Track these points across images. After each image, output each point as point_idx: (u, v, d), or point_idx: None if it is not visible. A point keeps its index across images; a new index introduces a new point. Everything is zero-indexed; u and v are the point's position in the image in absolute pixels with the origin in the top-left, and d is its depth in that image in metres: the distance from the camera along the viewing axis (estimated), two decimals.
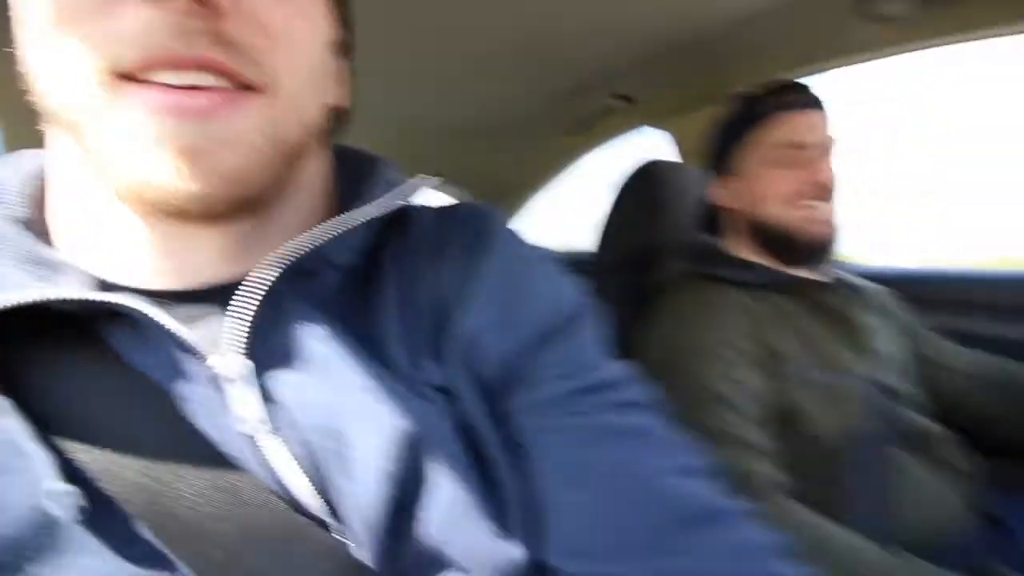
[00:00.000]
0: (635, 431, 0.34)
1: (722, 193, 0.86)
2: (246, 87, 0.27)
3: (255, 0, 0.27)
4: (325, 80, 0.33)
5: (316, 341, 0.30)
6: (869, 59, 0.92)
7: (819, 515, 0.62)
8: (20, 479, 0.26)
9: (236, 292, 0.29)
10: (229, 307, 0.29)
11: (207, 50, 0.25)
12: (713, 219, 0.90)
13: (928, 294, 1.01)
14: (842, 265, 1.05)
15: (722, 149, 0.87)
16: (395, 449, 0.28)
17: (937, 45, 0.83)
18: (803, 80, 0.85)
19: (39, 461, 0.26)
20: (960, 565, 0.60)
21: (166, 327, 0.27)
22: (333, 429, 0.28)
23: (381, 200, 0.34)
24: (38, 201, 0.33)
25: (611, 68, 1.13)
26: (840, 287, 0.81)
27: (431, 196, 1.93)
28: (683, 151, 1.24)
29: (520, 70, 1.14)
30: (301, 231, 0.32)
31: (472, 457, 0.31)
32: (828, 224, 0.79)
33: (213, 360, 0.28)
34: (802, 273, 0.80)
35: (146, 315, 0.27)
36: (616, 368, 0.36)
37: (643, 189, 0.98)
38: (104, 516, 0.26)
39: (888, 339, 0.82)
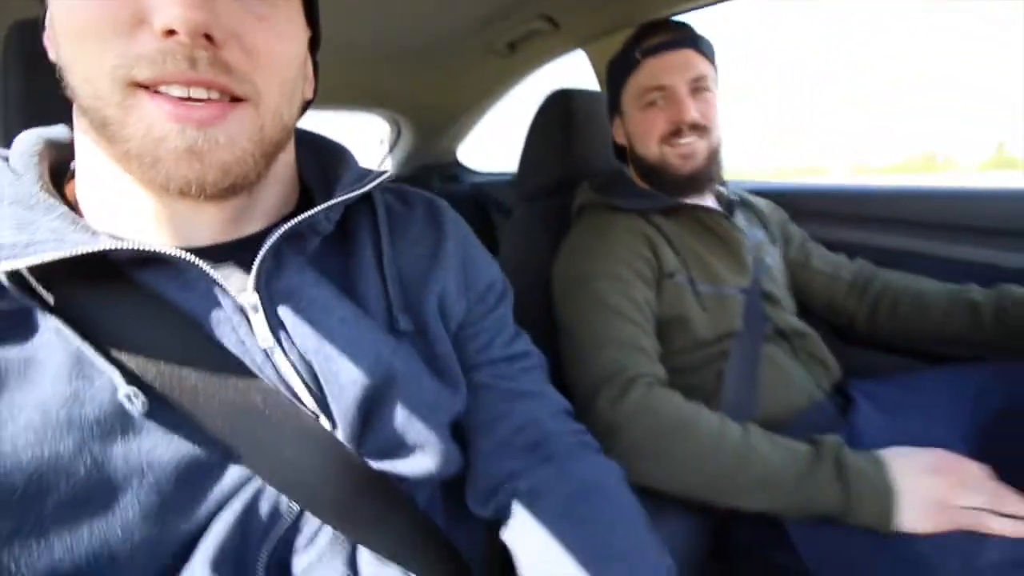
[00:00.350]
0: (533, 393, 0.53)
1: (616, 131, 0.95)
2: (237, 99, 0.36)
3: (243, 30, 0.35)
4: (299, 85, 0.42)
5: (308, 285, 0.42)
6: None
7: (694, 402, 0.71)
8: (98, 384, 0.35)
9: (251, 248, 0.40)
10: (252, 258, 0.39)
11: (209, 72, 0.34)
12: (618, 150, 0.98)
13: (806, 205, 1.15)
14: (735, 183, 1.18)
15: (611, 91, 0.94)
16: (368, 366, 0.41)
17: None
18: (687, 16, 0.92)
19: (111, 372, 0.34)
20: (810, 436, 0.70)
21: (204, 269, 0.37)
22: (324, 350, 0.40)
23: (359, 187, 0.45)
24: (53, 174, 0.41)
25: None
26: (721, 211, 0.91)
27: (376, 123, 1.91)
28: (601, 75, 1.30)
29: None
30: (280, 205, 0.45)
31: (440, 379, 0.46)
32: (700, 157, 0.86)
33: (240, 295, 0.39)
34: (688, 199, 0.89)
35: (189, 260, 0.36)
36: (523, 341, 0.56)
37: (556, 118, 1.02)
38: (164, 410, 0.36)
39: (769, 249, 0.95)
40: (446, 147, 1.99)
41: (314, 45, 0.48)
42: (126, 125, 0.34)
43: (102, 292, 0.36)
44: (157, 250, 0.36)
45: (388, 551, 0.41)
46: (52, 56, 0.37)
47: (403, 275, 0.48)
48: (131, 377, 0.35)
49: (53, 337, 0.35)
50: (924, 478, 0.60)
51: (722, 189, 0.97)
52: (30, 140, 0.41)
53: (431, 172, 1.96)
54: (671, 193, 0.89)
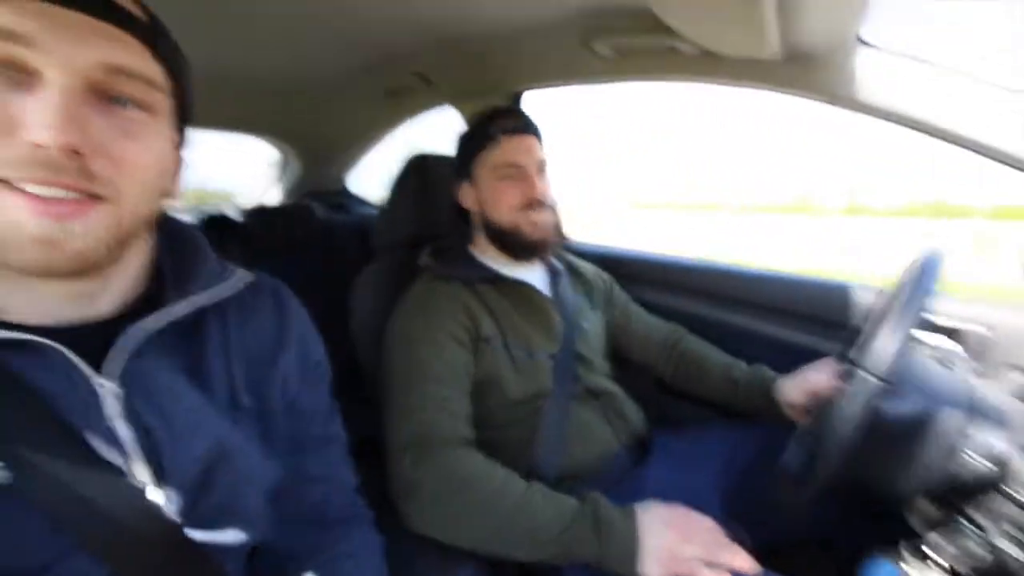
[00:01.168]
0: (326, 477, 0.62)
1: (464, 195, 1.02)
2: (97, 197, 0.39)
3: (110, 142, 0.39)
4: (161, 185, 0.46)
5: (159, 371, 0.46)
6: (596, 82, 1.16)
7: (491, 461, 0.78)
8: None
9: (116, 335, 0.44)
10: (114, 343, 0.44)
11: (70, 178, 0.38)
12: (461, 213, 1.06)
13: (634, 271, 1.32)
14: (570, 245, 1.33)
15: (462, 159, 1.02)
16: (207, 447, 0.47)
17: (630, 79, 1.09)
18: (527, 99, 1.04)
19: None
20: (604, 487, 0.76)
21: (65, 354, 0.41)
22: (169, 432, 0.45)
23: (217, 290, 0.51)
24: None
25: (410, 49, 1.25)
26: (532, 286, 0.99)
27: (263, 151, 1.90)
28: None
29: (335, 36, 1.19)
30: (133, 286, 0.49)
31: (267, 452, 0.53)
32: (544, 228, 0.98)
33: (95, 378, 0.43)
34: (507, 271, 0.99)
35: (53, 346, 0.41)
36: (335, 421, 0.65)
37: (414, 179, 1.11)
38: (20, 481, 0.39)
39: (588, 314, 1.08)
40: (334, 176, 2.01)
41: (182, 143, 0.51)
42: None
43: None
44: (25, 337, 0.40)
45: None
46: None
47: (248, 357, 0.53)
48: None
49: None
50: (660, 531, 0.69)
51: (551, 258, 1.09)
52: None
53: (317, 199, 1.97)
54: (516, 257, 1.00)
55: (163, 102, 0.45)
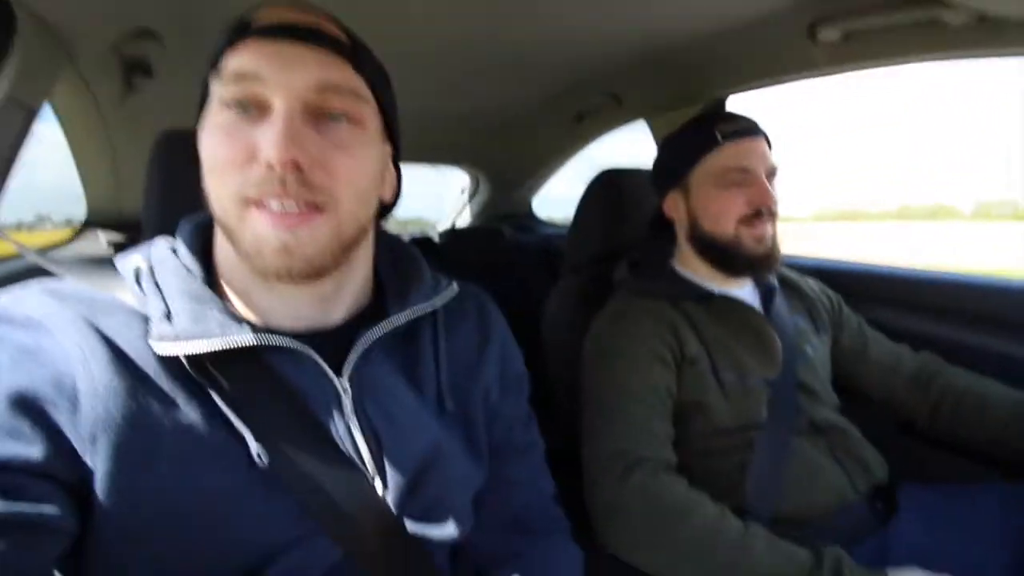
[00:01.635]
0: (527, 480, 0.63)
1: (671, 206, 0.94)
2: (320, 209, 0.45)
3: (325, 157, 0.45)
4: (374, 194, 0.51)
5: (385, 375, 0.52)
6: (811, 76, 1.01)
7: (698, 491, 0.72)
8: (234, 446, 0.44)
9: (348, 341, 0.50)
10: (349, 348, 0.49)
11: (294, 188, 0.43)
12: (663, 225, 0.98)
13: (866, 288, 1.11)
14: (790, 260, 1.16)
15: (675, 167, 0.93)
16: (423, 444, 0.51)
17: (856, 68, 0.92)
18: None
19: (245, 432, 0.44)
20: (836, 541, 0.67)
21: (316, 359, 0.47)
22: (392, 428, 0.50)
23: (431, 301, 0.55)
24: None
25: (601, 71, 1.25)
26: (748, 303, 0.89)
27: (459, 177, 2.11)
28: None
29: (527, 66, 1.25)
30: (359, 294, 0.54)
31: (473, 456, 0.57)
32: (770, 240, 0.87)
33: (338, 381, 0.48)
34: (718, 289, 0.90)
35: (307, 351, 0.47)
36: (533, 428, 0.66)
37: (604, 195, 1.08)
38: (276, 467, 0.44)
39: (811, 338, 0.93)
40: (520, 199, 2.11)
41: (396, 156, 0.56)
42: (242, 231, 0.44)
43: (240, 369, 0.46)
44: (285, 342, 0.46)
45: None
46: (204, 182, 0.48)
47: (454, 364, 0.57)
48: (259, 438, 0.44)
49: (202, 402, 0.44)
50: None
51: (770, 278, 0.95)
52: (190, 233, 0.52)
53: (504, 221, 2.08)
54: (731, 273, 0.91)
55: (370, 115, 0.49)
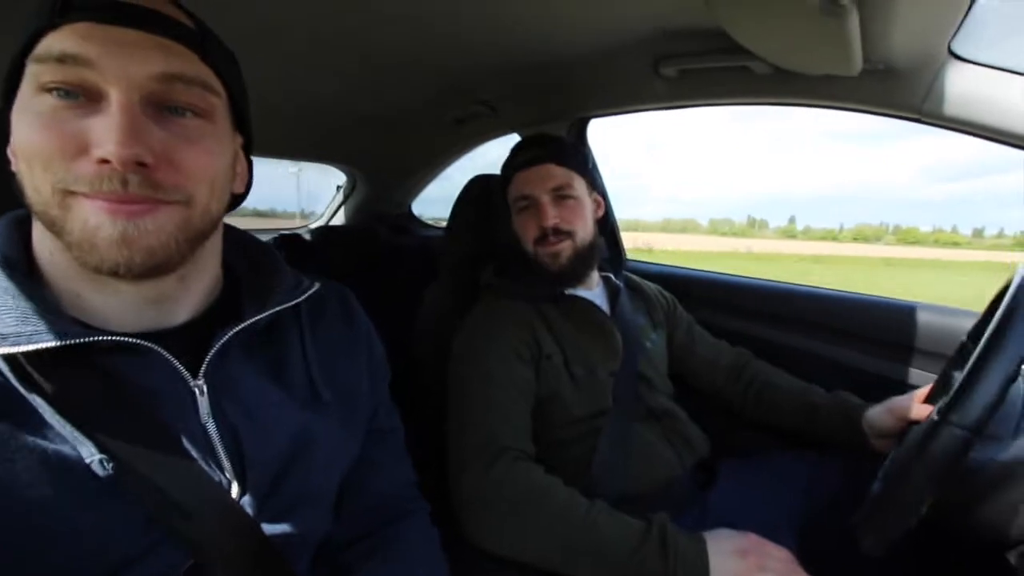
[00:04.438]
0: (387, 464, 0.65)
1: (513, 223, 1.03)
2: (165, 202, 0.42)
3: (173, 152, 0.42)
4: (227, 185, 0.49)
5: (246, 375, 0.50)
6: (656, 107, 1.16)
7: (553, 477, 0.78)
8: (68, 451, 0.40)
9: (198, 339, 0.47)
10: (204, 347, 0.47)
11: (139, 190, 0.40)
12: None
13: (698, 292, 1.29)
14: (631, 265, 1.31)
15: (501, 195, 1.05)
16: (287, 439, 0.50)
17: (691, 104, 1.08)
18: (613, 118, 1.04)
19: (84, 442, 0.40)
20: (665, 510, 0.75)
21: (167, 357, 0.44)
22: (253, 428, 0.48)
23: (294, 296, 0.54)
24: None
25: (475, 79, 1.29)
26: (592, 302, 0.98)
27: (333, 172, 2.01)
28: None
29: (405, 67, 1.25)
30: (208, 291, 0.52)
31: (349, 440, 0.58)
32: (564, 257, 0.95)
33: (192, 381, 0.46)
34: (568, 290, 0.99)
35: (156, 350, 0.44)
36: (395, 414, 0.69)
37: (476, 199, 1.14)
38: (121, 475, 0.41)
39: (650, 334, 1.06)
40: (399, 200, 2.10)
41: (247, 147, 0.54)
42: (67, 221, 0.40)
43: (75, 373, 0.42)
44: (131, 340, 0.42)
45: None
46: (14, 166, 0.44)
47: (324, 356, 0.57)
48: (99, 447, 0.41)
49: (31, 410, 0.40)
50: (732, 559, 0.68)
51: (611, 276, 1.08)
52: (10, 230, 0.47)
53: (381, 223, 2.05)
54: (549, 286, 0.98)
55: (219, 106, 0.46)
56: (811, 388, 1.02)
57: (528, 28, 0.99)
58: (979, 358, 0.52)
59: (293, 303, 0.54)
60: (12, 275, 0.43)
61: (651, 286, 1.18)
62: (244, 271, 0.56)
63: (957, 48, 0.77)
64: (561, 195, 0.96)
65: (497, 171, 1.08)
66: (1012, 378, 0.50)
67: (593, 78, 1.17)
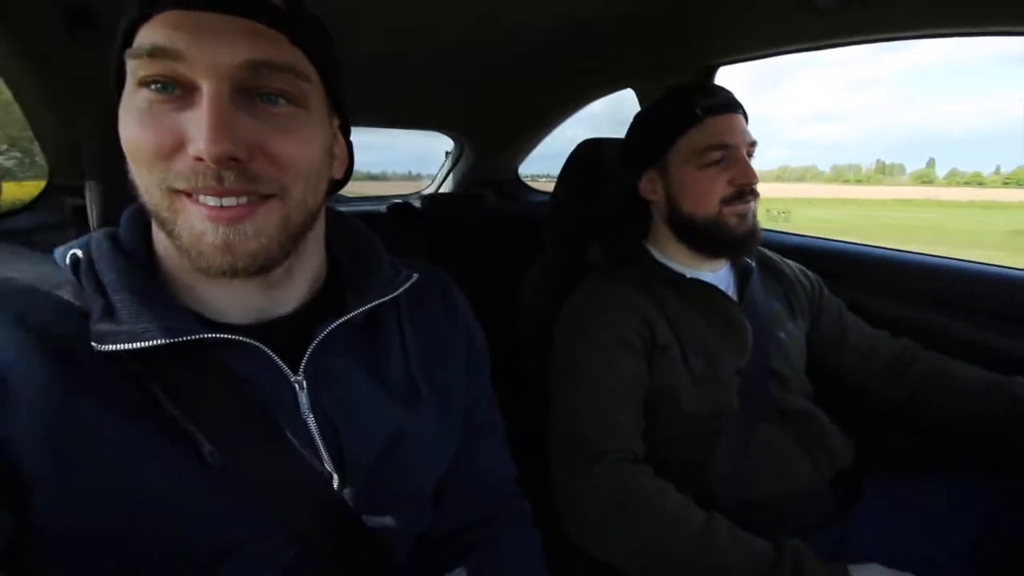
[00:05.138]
0: (489, 464, 0.63)
1: (648, 186, 0.89)
2: (265, 196, 0.42)
3: (266, 143, 0.41)
4: (323, 174, 0.47)
5: (344, 368, 0.49)
6: (808, 47, 0.95)
7: (663, 481, 0.71)
8: (180, 441, 0.41)
9: (301, 330, 0.48)
10: (296, 335, 0.47)
11: (235, 184, 0.40)
12: (638, 204, 0.94)
13: (847, 271, 1.09)
14: (772, 237, 1.12)
15: (651, 146, 0.88)
16: (384, 435, 0.50)
17: (855, 41, 0.87)
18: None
19: (191, 431, 0.42)
20: (799, 527, 0.69)
21: (269, 353, 0.45)
22: (351, 421, 0.48)
23: (392, 288, 0.53)
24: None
25: (588, 31, 1.17)
26: (721, 290, 0.86)
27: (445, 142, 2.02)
28: None
29: (510, 25, 1.17)
30: (312, 280, 0.51)
31: (446, 438, 0.57)
32: (751, 219, 0.83)
33: (292, 376, 0.46)
34: (688, 271, 0.87)
35: (259, 346, 0.44)
36: (496, 409, 0.66)
37: (584, 167, 1.04)
38: (228, 466, 0.42)
39: (786, 323, 0.91)
40: (505, 165, 2.05)
41: (345, 129, 0.53)
42: (176, 224, 0.41)
43: (187, 366, 0.43)
44: (234, 337, 0.43)
45: None
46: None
47: (423, 349, 0.55)
48: (209, 438, 0.42)
49: (146, 401, 0.42)
50: None
51: (746, 260, 0.92)
52: (130, 220, 0.48)
53: (488, 188, 2.03)
54: (721, 253, 0.87)
55: (312, 92, 0.44)
56: (1008, 380, 0.80)
57: None
58: None
59: (391, 296, 0.52)
60: (134, 270, 0.44)
61: (791, 265, 1.00)
62: (347, 259, 0.55)
63: None
64: (751, 152, 0.83)
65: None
66: None
67: (727, 17, 1.00)
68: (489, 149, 1.97)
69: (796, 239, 1.19)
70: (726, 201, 0.82)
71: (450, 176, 2.20)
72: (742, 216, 0.82)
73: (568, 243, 1.05)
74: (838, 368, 0.95)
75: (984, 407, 0.80)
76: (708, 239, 0.85)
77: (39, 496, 0.37)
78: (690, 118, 0.83)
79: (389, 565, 0.50)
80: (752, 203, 0.83)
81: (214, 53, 0.39)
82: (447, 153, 2.18)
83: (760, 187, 0.85)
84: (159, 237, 0.46)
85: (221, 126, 0.38)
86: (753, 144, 0.83)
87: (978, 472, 0.79)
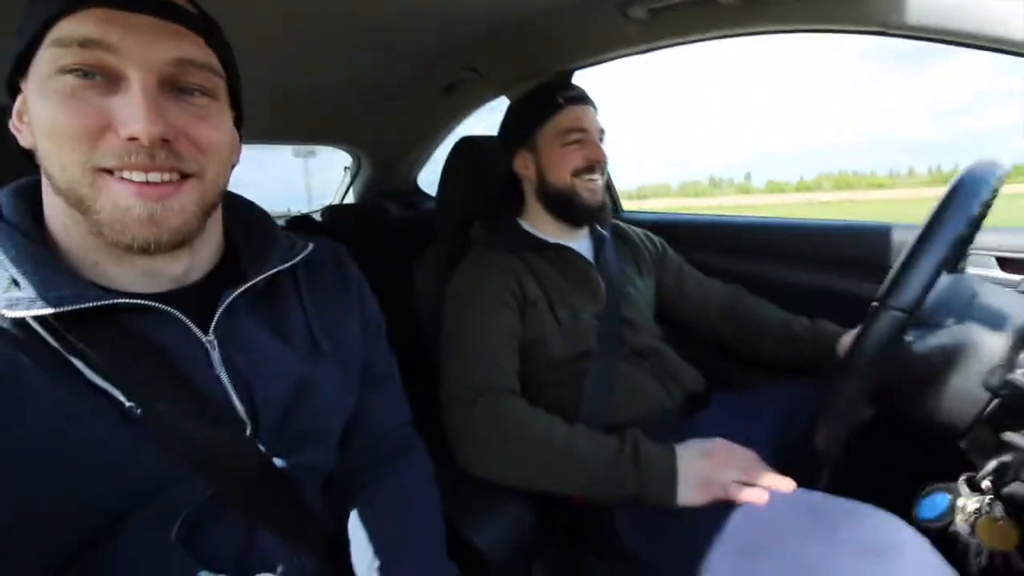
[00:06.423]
0: (384, 407, 0.71)
1: (521, 164, 1.06)
2: (185, 176, 0.47)
3: (188, 127, 0.46)
4: (230, 158, 0.53)
5: (250, 329, 0.54)
6: (629, 52, 1.16)
7: (534, 408, 0.83)
8: (101, 400, 0.44)
9: (205, 298, 0.52)
10: (203, 302, 0.51)
11: (164, 162, 0.44)
12: (511, 185, 1.10)
13: (685, 235, 1.30)
14: (621, 214, 1.32)
15: (523, 129, 1.05)
16: (290, 385, 0.55)
17: (663, 47, 1.08)
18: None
19: (113, 390, 0.44)
20: (656, 436, 0.79)
21: (181, 317, 0.49)
22: (260, 376, 0.53)
23: (290, 257, 0.59)
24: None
25: (459, 43, 1.32)
26: (575, 250, 1.02)
27: (339, 154, 2.07)
28: None
29: (388, 42, 1.28)
30: (213, 254, 0.57)
31: (348, 388, 0.64)
32: (600, 193, 1.02)
33: (204, 337, 0.50)
34: (552, 238, 1.03)
35: (171, 312, 0.48)
36: (392, 363, 0.73)
37: (462, 162, 1.17)
38: (148, 418, 0.46)
39: (635, 280, 1.09)
40: (404, 176, 2.14)
41: (238, 122, 0.57)
42: (97, 201, 0.44)
43: (99, 331, 0.45)
44: (151, 304, 0.47)
45: (278, 530, 0.53)
46: (23, 142, 0.47)
47: (321, 310, 0.62)
48: (128, 395, 0.45)
49: (62, 364, 0.44)
50: (698, 460, 0.73)
51: (596, 225, 1.10)
52: (16, 200, 0.49)
53: (390, 199, 2.11)
54: (571, 223, 1.04)
55: (222, 87, 0.51)
56: (794, 319, 1.03)
57: None
58: (915, 244, 0.53)
59: (289, 264, 0.59)
60: (29, 244, 0.46)
61: (638, 232, 1.20)
62: (241, 234, 0.60)
63: None
64: (601, 138, 1.02)
65: None
66: (947, 262, 0.52)
67: (567, 29, 1.18)
68: (386, 161, 2.06)
69: (649, 215, 1.41)
70: (577, 173, 0.99)
71: (350, 190, 2.26)
72: (592, 191, 1.00)
73: (455, 229, 1.16)
74: (680, 313, 1.15)
75: (776, 340, 1.04)
76: (565, 206, 1.02)
77: None
78: (554, 106, 1.01)
79: (297, 502, 0.56)
80: (599, 179, 1.01)
81: (145, 48, 0.43)
82: (345, 168, 2.25)
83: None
84: (57, 216, 0.48)
85: (155, 110, 0.43)
86: (603, 131, 1.02)
87: (784, 383, 0.99)
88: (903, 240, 0.99)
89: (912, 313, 0.51)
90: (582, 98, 1.02)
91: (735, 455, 0.73)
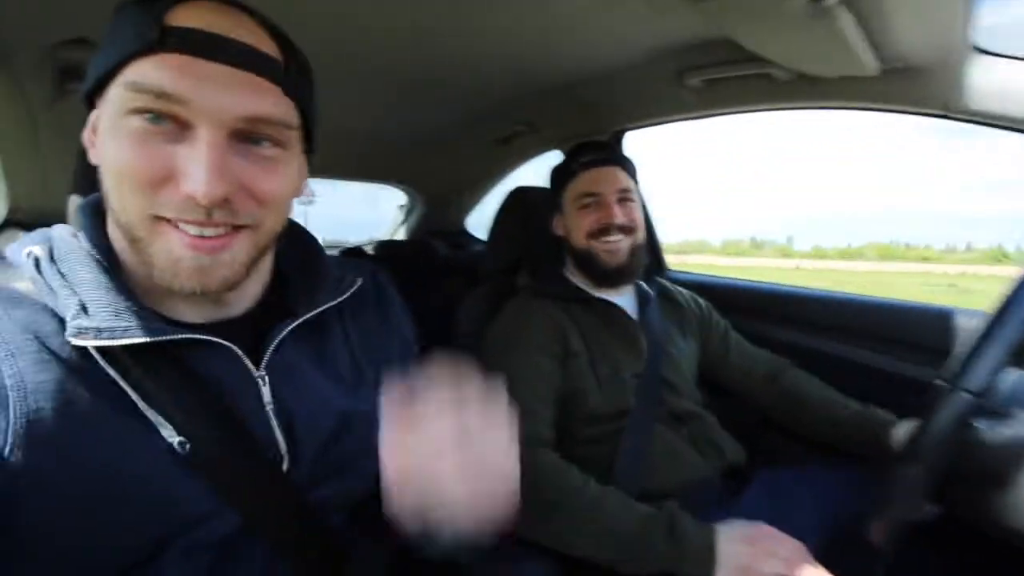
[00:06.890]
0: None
1: (556, 224, 1.10)
2: (238, 227, 0.45)
3: (250, 181, 0.44)
4: (293, 202, 0.51)
5: (297, 362, 0.54)
6: (686, 116, 1.19)
7: (568, 464, 0.82)
8: (151, 433, 0.44)
9: (254, 330, 0.52)
10: (264, 341, 0.51)
11: (220, 218, 0.43)
12: (559, 240, 1.13)
13: (735, 301, 1.28)
14: (669, 274, 1.32)
15: (553, 192, 1.11)
16: (332, 418, 0.54)
17: (717, 114, 1.10)
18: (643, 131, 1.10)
19: (163, 424, 0.44)
20: (698, 511, 0.76)
21: (235, 351, 0.48)
22: (303, 409, 0.52)
23: (338, 294, 0.58)
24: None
25: (516, 99, 1.39)
26: (620, 306, 1.02)
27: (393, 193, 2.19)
28: None
29: (449, 92, 1.37)
30: (261, 284, 0.56)
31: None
32: (623, 253, 1.01)
33: (255, 371, 0.50)
34: (603, 293, 1.04)
35: (226, 345, 0.47)
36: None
37: (513, 211, 1.22)
38: (197, 454, 0.45)
39: (677, 341, 1.08)
40: (454, 217, 2.22)
41: (308, 155, 0.56)
42: (151, 245, 0.43)
43: (153, 362, 0.45)
44: (203, 338, 0.46)
45: (303, 563, 0.52)
46: (92, 159, 0.46)
47: (364, 341, 0.61)
48: (178, 429, 0.45)
49: (120, 394, 0.44)
50: (739, 545, 0.69)
51: (642, 283, 1.11)
52: (88, 216, 0.49)
53: (438, 237, 2.19)
54: (600, 282, 1.04)
55: (295, 137, 0.49)
56: (838, 401, 1.00)
57: (559, 48, 1.07)
58: (989, 326, 0.52)
59: (338, 301, 0.58)
60: (103, 270, 0.46)
61: (685, 293, 1.19)
62: (295, 266, 0.60)
63: (980, 42, 0.76)
64: (624, 197, 1.03)
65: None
66: (1017, 345, 0.50)
67: (624, 93, 1.23)
68: (438, 203, 2.15)
69: (694, 276, 1.40)
70: (592, 235, 1.01)
71: (403, 227, 2.35)
72: (611, 252, 1.01)
73: (500, 274, 1.20)
74: (723, 379, 1.12)
75: (815, 420, 1.00)
76: (587, 266, 1.04)
77: (25, 482, 0.38)
78: (569, 172, 1.06)
79: (325, 533, 0.55)
80: (619, 240, 1.01)
81: (217, 103, 0.41)
82: (400, 206, 2.36)
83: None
84: (119, 240, 0.48)
85: (219, 168, 0.41)
86: (626, 190, 1.03)
87: (833, 466, 0.95)
88: (964, 325, 0.95)
89: (983, 396, 0.49)
90: (598, 161, 1.04)
91: (780, 545, 0.68)
